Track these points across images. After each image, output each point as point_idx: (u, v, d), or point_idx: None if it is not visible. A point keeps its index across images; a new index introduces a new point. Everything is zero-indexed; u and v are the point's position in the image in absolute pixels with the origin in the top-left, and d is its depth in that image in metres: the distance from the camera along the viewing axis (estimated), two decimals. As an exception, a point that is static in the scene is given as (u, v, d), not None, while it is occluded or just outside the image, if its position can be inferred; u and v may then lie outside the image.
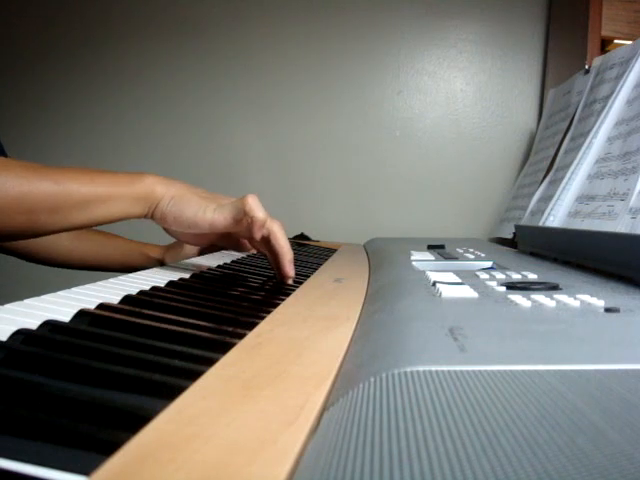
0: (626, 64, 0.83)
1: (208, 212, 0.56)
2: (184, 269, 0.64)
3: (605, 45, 1.09)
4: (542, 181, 1.01)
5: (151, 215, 0.57)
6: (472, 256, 0.70)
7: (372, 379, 0.22)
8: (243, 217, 0.55)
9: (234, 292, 0.51)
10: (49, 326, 0.33)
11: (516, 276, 0.50)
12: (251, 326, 0.35)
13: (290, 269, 0.58)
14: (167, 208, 0.56)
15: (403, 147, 1.45)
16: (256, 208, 0.54)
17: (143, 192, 0.55)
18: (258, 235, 0.55)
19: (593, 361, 0.23)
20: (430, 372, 0.22)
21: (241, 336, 0.32)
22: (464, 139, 1.44)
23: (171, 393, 0.23)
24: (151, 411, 0.21)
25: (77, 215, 0.52)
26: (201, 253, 0.85)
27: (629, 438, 0.16)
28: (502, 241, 1.13)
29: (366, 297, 0.47)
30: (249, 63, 1.47)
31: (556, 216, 0.85)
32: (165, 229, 0.60)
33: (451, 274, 0.51)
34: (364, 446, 0.16)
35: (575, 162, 0.85)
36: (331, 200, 1.46)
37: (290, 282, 0.58)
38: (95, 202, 0.53)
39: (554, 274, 0.53)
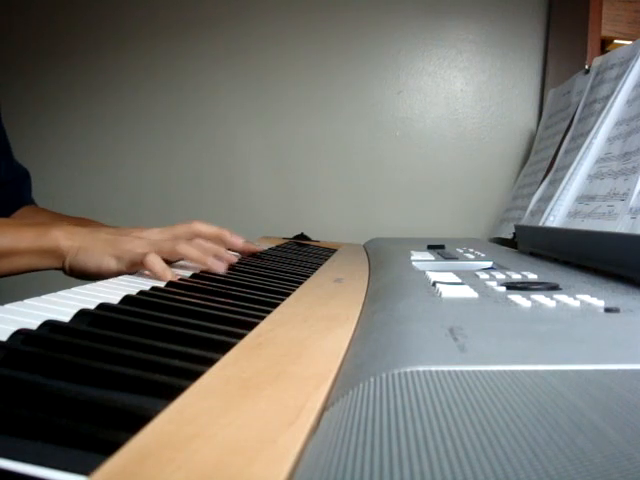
0: (626, 64, 0.83)
1: (112, 265, 0.57)
2: (183, 269, 0.64)
3: (605, 45, 1.08)
4: (542, 181, 1.01)
5: (63, 269, 0.58)
6: (472, 256, 0.70)
7: (372, 379, 0.22)
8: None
9: (234, 292, 0.51)
10: (49, 326, 0.33)
11: (516, 276, 0.50)
12: (251, 326, 0.35)
13: (217, 267, 0.59)
14: (73, 262, 0.57)
15: (403, 147, 1.45)
16: (156, 269, 0.55)
17: (48, 246, 0.57)
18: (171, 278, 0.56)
19: (593, 361, 0.23)
20: (430, 372, 0.22)
21: (241, 336, 0.32)
22: (464, 139, 1.44)
23: (171, 393, 0.23)
24: (151, 411, 0.21)
25: None
26: None
27: (629, 438, 0.16)
28: (502, 241, 1.13)
29: (366, 297, 0.47)
30: (249, 63, 1.47)
31: (556, 216, 0.85)
32: None
33: (451, 274, 0.51)
34: (364, 446, 0.16)
35: (575, 162, 0.84)
36: (331, 200, 1.46)
37: (222, 271, 0.59)
38: None
39: (554, 274, 0.53)
